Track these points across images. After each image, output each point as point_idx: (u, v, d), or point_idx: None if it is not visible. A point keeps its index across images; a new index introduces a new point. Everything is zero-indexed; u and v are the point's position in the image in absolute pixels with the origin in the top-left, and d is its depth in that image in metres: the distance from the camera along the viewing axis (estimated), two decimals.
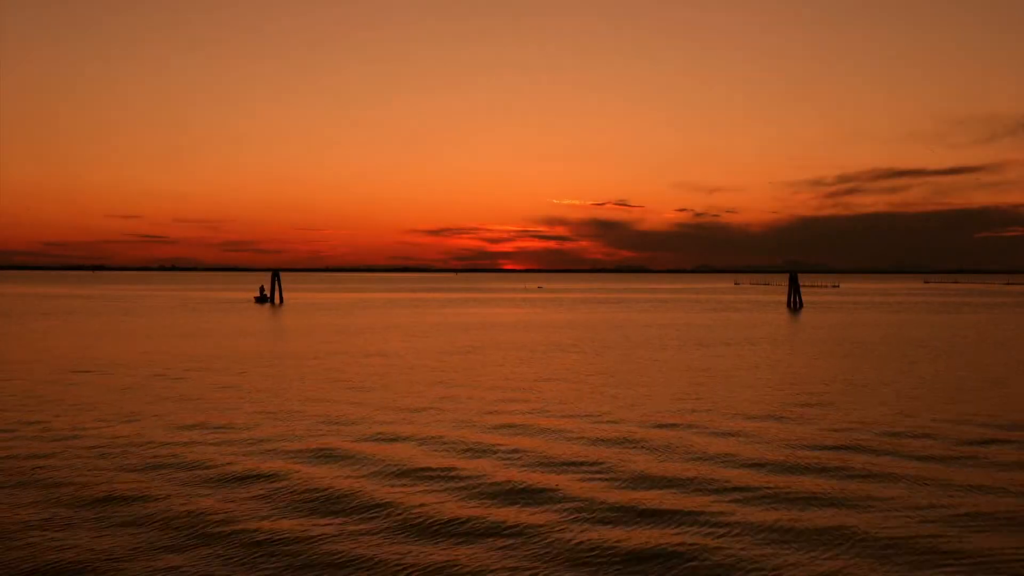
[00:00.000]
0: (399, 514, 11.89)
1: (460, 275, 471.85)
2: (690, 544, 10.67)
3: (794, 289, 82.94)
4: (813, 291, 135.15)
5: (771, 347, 38.24)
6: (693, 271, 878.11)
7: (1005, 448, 16.18)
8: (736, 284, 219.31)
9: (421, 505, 12.31)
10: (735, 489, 13.16)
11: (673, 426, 18.36)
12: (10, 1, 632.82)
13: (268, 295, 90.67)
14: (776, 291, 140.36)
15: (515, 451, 15.89)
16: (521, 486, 13.33)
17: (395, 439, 16.92)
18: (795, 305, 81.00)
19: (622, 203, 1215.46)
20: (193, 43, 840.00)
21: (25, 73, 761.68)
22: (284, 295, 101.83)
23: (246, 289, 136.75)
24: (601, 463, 14.86)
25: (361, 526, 11.41)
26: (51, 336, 43.10)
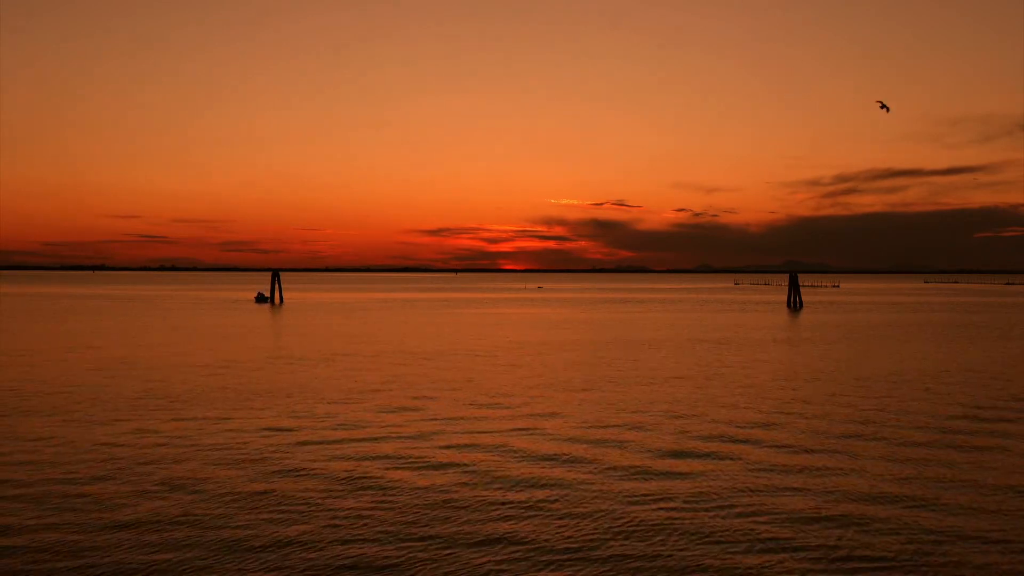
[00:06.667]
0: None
1: (460, 275, 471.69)
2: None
3: (794, 289, 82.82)
4: (814, 291, 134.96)
5: (785, 348, 38.13)
6: (693, 271, 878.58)
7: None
8: (736, 284, 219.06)
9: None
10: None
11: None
12: (12, 2, 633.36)
13: (267, 295, 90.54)
14: (776, 291, 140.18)
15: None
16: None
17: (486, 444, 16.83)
18: (795, 305, 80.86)
19: (621, 203, 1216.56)
20: (194, 45, 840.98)
21: (26, 73, 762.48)
22: (284, 295, 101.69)
23: (246, 289, 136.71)
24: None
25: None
26: (45, 337, 42.97)
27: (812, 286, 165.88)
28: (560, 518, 11.84)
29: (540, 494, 13.03)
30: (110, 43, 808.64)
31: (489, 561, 10.22)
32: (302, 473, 14.23)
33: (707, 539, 11.00)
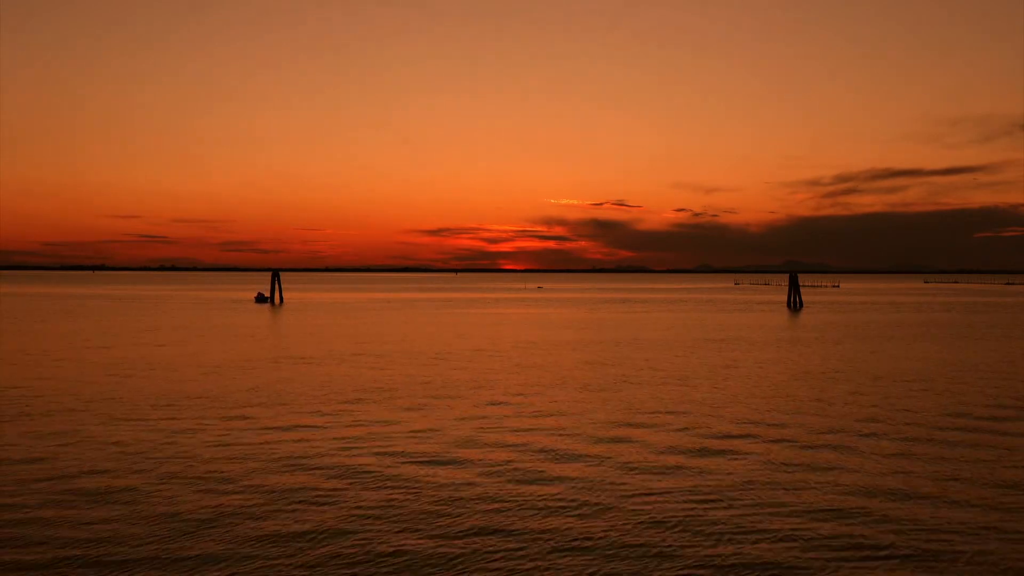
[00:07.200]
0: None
1: (460, 275, 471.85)
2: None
3: (794, 289, 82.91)
4: (814, 291, 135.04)
5: (787, 347, 38.21)
6: (693, 271, 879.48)
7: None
8: (736, 284, 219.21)
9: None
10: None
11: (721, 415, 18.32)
12: (14, 2, 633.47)
13: (267, 295, 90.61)
14: (776, 291, 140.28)
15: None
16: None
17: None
18: (795, 305, 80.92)
19: (620, 203, 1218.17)
20: (194, 45, 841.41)
21: (26, 73, 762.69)
22: (284, 295, 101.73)
23: (246, 289, 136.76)
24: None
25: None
26: (50, 337, 42.99)
27: (812, 286, 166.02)
28: (578, 512, 11.89)
29: (558, 489, 13.10)
30: (110, 43, 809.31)
31: (506, 555, 10.27)
32: (326, 470, 14.31)
33: (724, 533, 11.06)
